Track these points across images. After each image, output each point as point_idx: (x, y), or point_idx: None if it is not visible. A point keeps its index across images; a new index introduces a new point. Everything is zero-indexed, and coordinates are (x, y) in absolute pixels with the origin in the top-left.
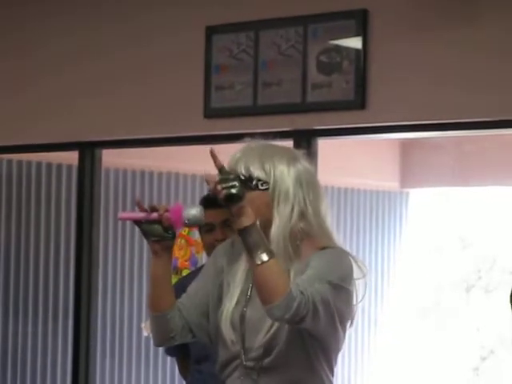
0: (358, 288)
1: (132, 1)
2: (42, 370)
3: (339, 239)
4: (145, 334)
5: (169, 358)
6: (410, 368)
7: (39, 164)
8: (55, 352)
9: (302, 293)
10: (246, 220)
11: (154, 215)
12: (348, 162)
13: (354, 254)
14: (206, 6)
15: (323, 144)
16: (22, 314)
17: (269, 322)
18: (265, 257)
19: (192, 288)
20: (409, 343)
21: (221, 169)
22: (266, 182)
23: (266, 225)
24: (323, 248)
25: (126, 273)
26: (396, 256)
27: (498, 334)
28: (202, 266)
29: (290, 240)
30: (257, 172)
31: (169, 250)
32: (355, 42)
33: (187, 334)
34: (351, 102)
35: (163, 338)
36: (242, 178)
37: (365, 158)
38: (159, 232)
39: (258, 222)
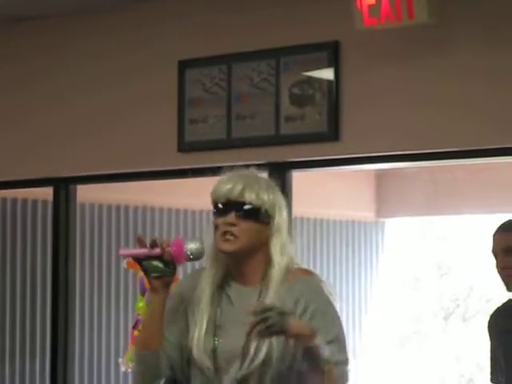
0: None
1: (107, 39)
2: None
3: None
4: (123, 368)
5: None
6: None
7: (14, 200)
8: None
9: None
10: (310, 338)
11: (157, 251)
12: (323, 193)
13: (331, 284)
14: (179, 40)
15: (298, 175)
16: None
17: (237, 360)
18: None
19: (164, 328)
20: (388, 373)
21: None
22: (270, 216)
23: (252, 249)
24: (299, 270)
25: (104, 308)
26: (373, 286)
27: (477, 363)
28: None
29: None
30: (266, 204)
31: (168, 286)
32: (327, 74)
33: (169, 373)
34: (324, 134)
35: (152, 377)
36: (251, 207)
37: (340, 188)
38: (160, 268)
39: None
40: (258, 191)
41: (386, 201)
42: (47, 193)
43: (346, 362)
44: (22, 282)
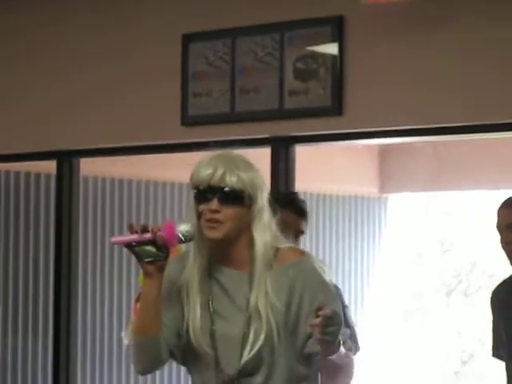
0: None
1: (108, 12)
2: (22, 382)
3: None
4: (125, 342)
5: None
6: (391, 373)
7: (17, 173)
8: (35, 362)
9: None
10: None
11: (148, 236)
12: (326, 168)
13: (334, 260)
14: (182, 14)
15: (301, 150)
16: (1, 325)
17: (239, 343)
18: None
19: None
20: (390, 348)
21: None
22: (253, 199)
23: (238, 234)
24: (289, 252)
25: (106, 282)
26: (376, 261)
27: (479, 338)
28: None
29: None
30: (248, 187)
31: (162, 270)
32: (331, 49)
33: (169, 357)
34: (328, 109)
35: (152, 362)
36: (233, 191)
37: (343, 163)
38: (153, 252)
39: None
40: (239, 174)
41: (390, 176)
42: (50, 166)
43: (348, 337)
44: (24, 255)
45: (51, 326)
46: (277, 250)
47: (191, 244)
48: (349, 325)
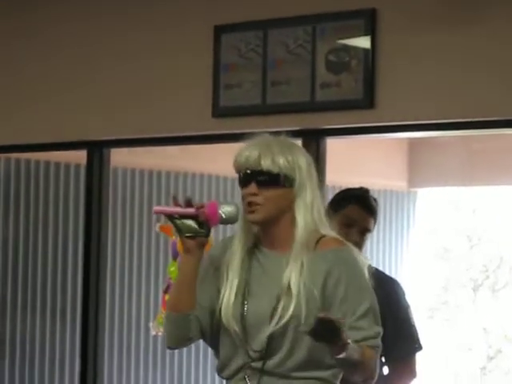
0: None
1: (142, 5)
2: (50, 369)
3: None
4: (153, 332)
5: (176, 357)
6: (416, 368)
7: (47, 163)
8: (63, 351)
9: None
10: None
11: (191, 210)
12: (356, 162)
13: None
14: (215, 5)
15: (330, 143)
16: (30, 314)
17: (268, 320)
18: (359, 358)
19: (197, 292)
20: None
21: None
22: (291, 179)
23: (280, 216)
24: (331, 240)
25: (134, 272)
26: (403, 256)
27: (505, 334)
28: None
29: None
30: (284, 168)
31: (202, 247)
32: (363, 41)
33: (200, 336)
34: (360, 101)
35: (181, 338)
36: (269, 174)
37: (373, 157)
38: (194, 228)
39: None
40: (273, 157)
41: (419, 170)
42: (80, 156)
43: (377, 335)
44: (53, 246)
45: (79, 315)
46: (321, 236)
47: (235, 229)
48: (408, 324)
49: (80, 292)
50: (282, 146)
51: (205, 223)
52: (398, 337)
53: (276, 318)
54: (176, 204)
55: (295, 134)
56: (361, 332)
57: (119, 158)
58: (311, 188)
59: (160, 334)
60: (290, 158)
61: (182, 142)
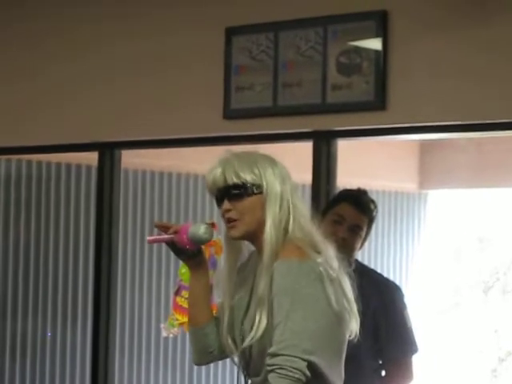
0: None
1: (153, 7)
2: (60, 370)
3: (320, 235)
4: (164, 334)
5: (187, 359)
6: (428, 369)
7: (58, 165)
8: (74, 352)
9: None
10: None
11: (166, 237)
12: (366, 164)
13: (373, 255)
14: (226, 7)
15: (341, 145)
16: (41, 316)
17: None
18: None
19: (218, 306)
20: (427, 345)
21: None
22: (259, 186)
23: (260, 226)
24: (287, 251)
25: (145, 273)
26: (414, 257)
27: None
28: None
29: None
30: (249, 177)
31: (201, 265)
32: (375, 43)
33: (220, 352)
34: (371, 103)
35: (202, 353)
36: (235, 186)
37: (383, 159)
38: (182, 251)
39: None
40: (235, 169)
41: (430, 172)
42: (91, 157)
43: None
44: (64, 247)
45: (90, 316)
46: (288, 242)
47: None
48: (404, 326)
49: (91, 294)
50: (240, 158)
51: (183, 247)
52: (394, 339)
53: (254, 329)
54: (162, 230)
55: (306, 135)
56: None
57: (130, 159)
58: (280, 199)
59: (171, 335)
60: (253, 166)
61: (193, 144)
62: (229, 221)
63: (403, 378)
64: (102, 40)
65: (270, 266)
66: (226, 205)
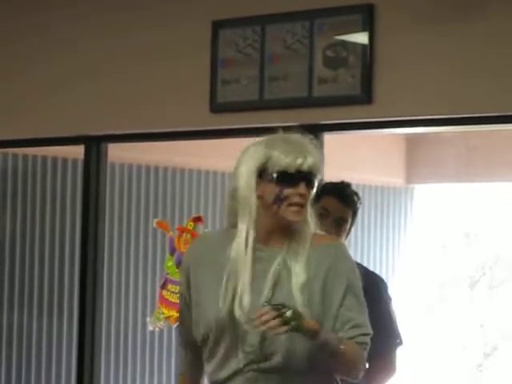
0: None
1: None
2: (46, 365)
3: None
4: (150, 328)
5: (173, 353)
6: (414, 364)
7: (44, 158)
8: (60, 347)
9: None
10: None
11: None
12: (353, 158)
13: (359, 250)
14: (212, 0)
15: (328, 139)
16: (27, 310)
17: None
18: (342, 347)
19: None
20: (413, 340)
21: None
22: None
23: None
24: (323, 236)
25: (131, 267)
26: (401, 252)
27: (502, 331)
28: None
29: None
30: (319, 171)
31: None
32: (361, 37)
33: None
34: (357, 97)
35: (188, 344)
36: (316, 176)
37: (370, 153)
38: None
39: None
40: (319, 164)
41: (417, 166)
42: (77, 151)
43: (368, 333)
44: (50, 241)
45: (76, 310)
46: (313, 234)
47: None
48: (389, 319)
49: (77, 287)
50: (316, 150)
51: None
52: (378, 332)
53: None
54: None
55: (293, 129)
56: (354, 329)
57: (116, 153)
58: None
59: (157, 329)
60: (319, 160)
61: (179, 138)
62: (297, 204)
63: (387, 370)
64: (87, 35)
65: (307, 249)
66: (303, 189)
